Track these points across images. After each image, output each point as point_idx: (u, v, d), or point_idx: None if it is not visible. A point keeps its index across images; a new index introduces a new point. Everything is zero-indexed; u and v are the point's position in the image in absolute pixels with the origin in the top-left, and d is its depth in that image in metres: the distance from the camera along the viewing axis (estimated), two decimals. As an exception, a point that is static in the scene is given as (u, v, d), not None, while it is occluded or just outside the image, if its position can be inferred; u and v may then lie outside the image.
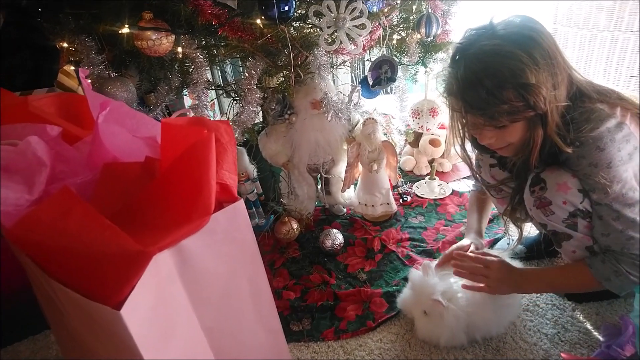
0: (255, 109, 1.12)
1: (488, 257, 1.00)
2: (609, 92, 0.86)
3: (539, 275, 1.01)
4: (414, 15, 1.51)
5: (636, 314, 0.87)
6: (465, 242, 1.15)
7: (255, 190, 1.60)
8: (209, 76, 1.88)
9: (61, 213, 0.41)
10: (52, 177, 0.53)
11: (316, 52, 1.10)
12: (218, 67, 1.92)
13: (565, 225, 0.91)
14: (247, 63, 1.10)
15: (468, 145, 1.03)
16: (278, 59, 1.13)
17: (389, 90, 2.68)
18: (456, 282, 1.03)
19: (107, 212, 0.49)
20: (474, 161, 1.10)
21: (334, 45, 1.11)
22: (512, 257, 1.15)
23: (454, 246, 1.14)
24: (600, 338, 1.01)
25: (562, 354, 0.85)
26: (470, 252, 1.06)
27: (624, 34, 1.74)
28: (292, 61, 1.03)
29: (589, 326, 1.05)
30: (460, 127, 0.96)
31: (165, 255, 0.48)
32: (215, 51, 1.13)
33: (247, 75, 1.11)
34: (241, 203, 0.57)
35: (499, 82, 0.76)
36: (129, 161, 0.54)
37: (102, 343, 0.48)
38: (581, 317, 1.08)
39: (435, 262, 1.15)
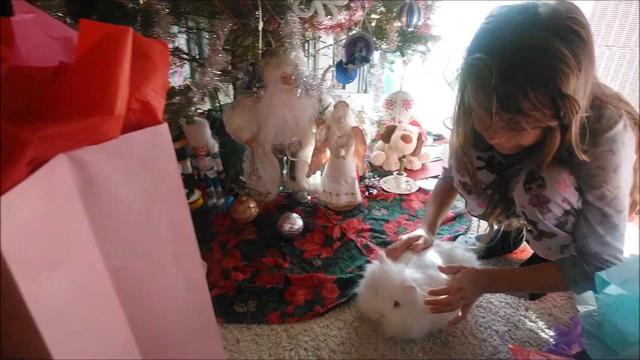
0: (217, 71, 1.05)
1: (457, 275, 0.94)
2: (613, 94, 0.82)
3: (508, 275, 0.99)
4: (397, 8, 1.49)
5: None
6: (417, 232, 1.09)
7: (215, 167, 1.53)
8: (185, 48, 1.82)
9: None
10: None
11: (288, 18, 1.05)
12: (195, 41, 1.86)
13: (556, 223, 0.86)
14: (214, 21, 1.04)
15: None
16: (248, 22, 1.07)
17: (365, 89, 2.68)
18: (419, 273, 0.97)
19: (5, 113, 0.42)
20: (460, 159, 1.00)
21: (307, 13, 1.06)
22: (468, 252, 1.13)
23: (405, 236, 1.07)
24: (550, 339, 0.98)
25: (510, 346, 0.81)
26: (441, 269, 0.98)
27: (620, 49, 1.75)
28: (261, 20, 0.97)
29: (540, 326, 1.02)
30: (464, 124, 0.87)
31: (63, 167, 0.42)
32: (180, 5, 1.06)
33: (213, 34, 1.05)
34: (165, 127, 0.50)
35: (538, 84, 0.66)
36: (42, 65, 0.47)
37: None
38: (533, 317, 1.05)
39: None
